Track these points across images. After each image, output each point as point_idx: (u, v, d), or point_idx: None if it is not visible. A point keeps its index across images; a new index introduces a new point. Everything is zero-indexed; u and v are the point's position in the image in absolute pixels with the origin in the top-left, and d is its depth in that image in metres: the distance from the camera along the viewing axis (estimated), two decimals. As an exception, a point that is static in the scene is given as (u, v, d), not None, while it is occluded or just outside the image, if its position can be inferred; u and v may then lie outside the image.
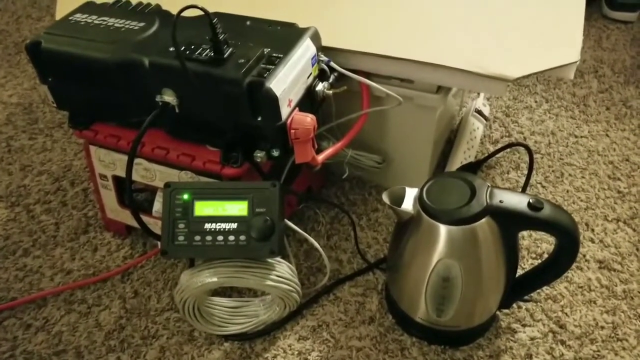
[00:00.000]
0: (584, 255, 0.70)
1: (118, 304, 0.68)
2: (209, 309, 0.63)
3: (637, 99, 0.95)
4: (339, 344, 0.63)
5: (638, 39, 1.10)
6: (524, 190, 0.76)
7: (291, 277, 0.59)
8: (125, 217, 0.74)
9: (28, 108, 1.02)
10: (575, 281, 0.67)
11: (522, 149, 0.84)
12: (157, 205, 0.70)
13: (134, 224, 0.64)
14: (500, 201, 0.52)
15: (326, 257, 0.65)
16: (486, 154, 0.83)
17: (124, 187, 0.72)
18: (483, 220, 0.51)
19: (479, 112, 0.89)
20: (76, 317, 0.67)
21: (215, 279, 0.57)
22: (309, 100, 0.62)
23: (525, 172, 0.81)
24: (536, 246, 0.72)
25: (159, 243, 0.73)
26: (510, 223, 0.52)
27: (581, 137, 0.88)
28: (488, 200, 0.52)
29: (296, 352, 0.62)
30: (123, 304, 0.68)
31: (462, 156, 0.82)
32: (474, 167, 0.81)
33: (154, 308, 0.68)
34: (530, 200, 0.51)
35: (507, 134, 0.89)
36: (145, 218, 0.71)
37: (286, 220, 0.62)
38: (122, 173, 0.69)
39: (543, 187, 0.80)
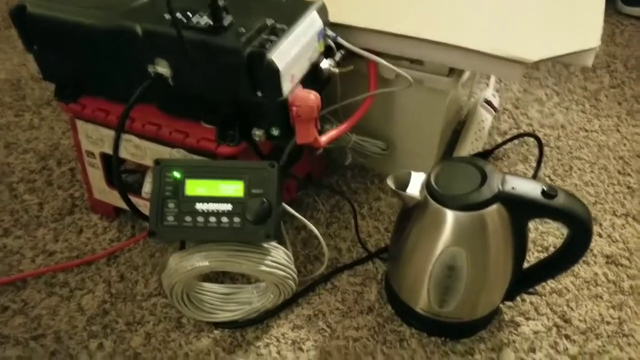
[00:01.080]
0: (591, 250, 0.67)
1: (102, 288, 0.65)
2: (198, 295, 0.60)
3: (648, 94, 0.93)
4: (335, 333, 0.59)
5: (650, 35, 1.07)
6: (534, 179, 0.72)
7: (287, 263, 0.56)
8: (113, 198, 0.71)
9: (16, 84, 0.98)
10: (581, 275, 0.64)
11: (530, 141, 0.81)
12: (147, 186, 0.67)
13: (123, 205, 0.61)
14: (513, 188, 0.48)
15: (325, 244, 0.62)
16: (494, 146, 0.80)
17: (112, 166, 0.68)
18: (493, 206, 0.48)
19: (488, 103, 0.86)
20: (57, 301, 0.64)
21: (206, 263, 0.53)
22: (313, 78, 0.58)
23: (534, 164, 0.78)
24: (542, 239, 0.69)
25: (148, 225, 0.69)
26: (521, 211, 0.49)
27: (591, 131, 0.85)
28: (500, 187, 0.49)
29: (290, 341, 0.59)
30: (108, 288, 0.65)
31: (469, 147, 0.79)
32: (482, 157, 0.78)
33: (140, 293, 0.64)
34: (544, 188, 0.48)
35: (516, 126, 0.86)
36: (135, 200, 0.67)
37: (284, 205, 0.59)
38: (110, 150, 0.65)
39: (551, 180, 0.77)
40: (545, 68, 0.99)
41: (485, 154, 0.78)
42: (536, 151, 0.77)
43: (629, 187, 0.76)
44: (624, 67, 0.99)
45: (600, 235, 0.69)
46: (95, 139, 0.65)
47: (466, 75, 0.73)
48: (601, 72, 0.98)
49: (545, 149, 0.80)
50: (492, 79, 0.94)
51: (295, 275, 0.57)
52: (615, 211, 0.72)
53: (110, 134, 0.63)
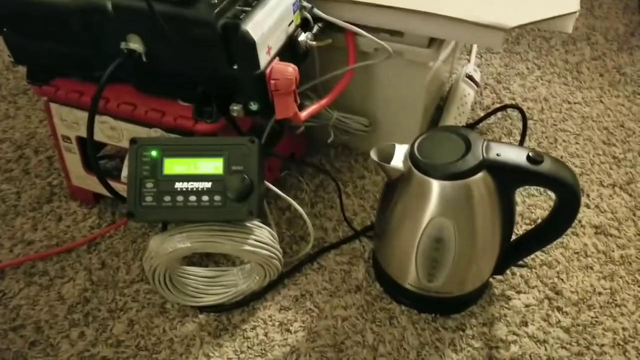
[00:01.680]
0: (580, 221, 0.67)
1: (83, 275, 0.63)
2: (182, 279, 0.59)
3: (630, 66, 0.92)
4: (323, 313, 0.58)
5: (631, 7, 1.07)
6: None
7: (272, 243, 0.55)
8: (92, 184, 0.68)
9: (-11, 73, 0.95)
10: (570, 247, 0.64)
11: (514, 115, 0.81)
12: (126, 171, 0.65)
13: (103, 191, 0.59)
14: (498, 154, 0.48)
15: (310, 223, 0.61)
16: (477, 119, 0.80)
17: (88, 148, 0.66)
18: (479, 175, 0.47)
19: (470, 78, 0.85)
20: (37, 290, 0.62)
21: (188, 244, 0.52)
22: (290, 52, 0.57)
23: (518, 138, 0.78)
24: (530, 212, 0.68)
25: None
26: (507, 178, 0.48)
27: (575, 103, 0.85)
28: (484, 154, 0.48)
29: (277, 323, 0.58)
30: (89, 276, 0.63)
31: (452, 122, 0.78)
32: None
33: (122, 279, 0.63)
34: (530, 154, 0.47)
35: (498, 101, 0.86)
36: (115, 185, 0.65)
37: (267, 183, 0.57)
38: (86, 133, 0.63)
39: (536, 153, 0.76)
40: (526, 42, 0.99)
41: (469, 127, 0.77)
42: (520, 124, 0.76)
43: (614, 157, 0.76)
44: (604, 39, 0.99)
45: (587, 206, 0.69)
46: (71, 122, 0.63)
47: (447, 50, 0.72)
48: (581, 45, 0.97)
49: (529, 122, 0.80)
50: (474, 54, 0.93)
51: (280, 255, 0.56)
52: (602, 181, 0.72)
53: (85, 116, 0.61)
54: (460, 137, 0.50)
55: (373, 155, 0.52)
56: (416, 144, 0.50)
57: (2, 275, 0.63)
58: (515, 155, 0.48)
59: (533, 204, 0.69)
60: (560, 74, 0.91)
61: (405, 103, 0.69)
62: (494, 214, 0.50)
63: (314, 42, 0.58)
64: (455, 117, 0.79)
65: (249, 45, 0.49)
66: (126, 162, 0.65)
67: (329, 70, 0.64)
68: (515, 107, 0.70)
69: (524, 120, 0.69)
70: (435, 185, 0.48)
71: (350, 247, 0.65)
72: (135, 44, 0.52)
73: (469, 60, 0.90)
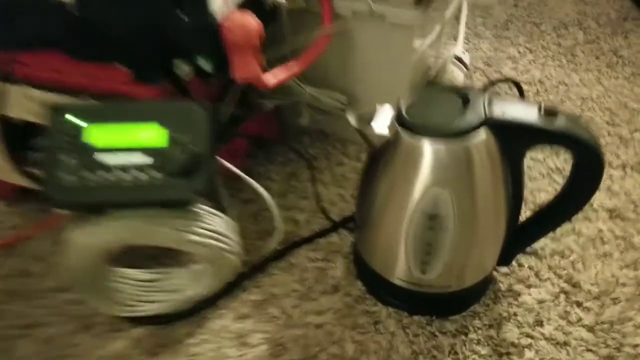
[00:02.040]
0: (591, 205, 0.58)
1: (-1, 285, 0.51)
2: (113, 283, 0.47)
3: (627, 48, 0.86)
4: (291, 320, 0.47)
5: (620, -6, 1.02)
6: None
7: (226, 233, 0.44)
8: (15, 176, 0.57)
9: None
10: (584, 233, 0.55)
11: (511, 94, 0.73)
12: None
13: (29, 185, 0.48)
14: (503, 112, 0.39)
15: (277, 211, 0.50)
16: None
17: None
18: (481, 134, 0.38)
19: (459, 60, 0.77)
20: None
21: (117, 235, 0.41)
22: (254, 9, 0.47)
23: (513, 120, 0.69)
24: (533, 197, 0.59)
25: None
26: (515, 139, 0.39)
27: (572, 85, 0.78)
28: (486, 111, 0.39)
29: (232, 336, 0.46)
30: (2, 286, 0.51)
31: (440, 102, 0.69)
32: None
33: (39, 289, 0.51)
34: (542, 108, 0.38)
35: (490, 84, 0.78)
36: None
37: (225, 162, 0.47)
38: (4, 111, 0.52)
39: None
40: (515, 27, 0.92)
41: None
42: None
43: (620, 138, 0.68)
44: (596, 24, 0.92)
45: (598, 189, 0.60)
46: (-15, 97, 0.52)
47: (433, 35, 0.64)
48: (574, 29, 0.91)
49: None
50: (461, 37, 0.85)
51: (238, 249, 0.45)
52: (610, 163, 0.64)
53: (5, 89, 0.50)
54: (456, 94, 0.41)
55: (351, 119, 0.42)
56: (404, 104, 0.41)
57: None
58: (523, 111, 0.39)
59: (536, 188, 0.60)
60: (554, 57, 0.84)
61: (389, 75, 0.60)
62: (498, 183, 0.40)
63: (283, 0, 0.49)
64: (443, 98, 0.70)
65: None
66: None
67: (301, 37, 0.55)
68: (512, 80, 0.61)
69: (520, 93, 0.60)
70: (428, 149, 0.39)
71: (327, 242, 0.55)
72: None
73: (456, 43, 0.82)
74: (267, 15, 0.50)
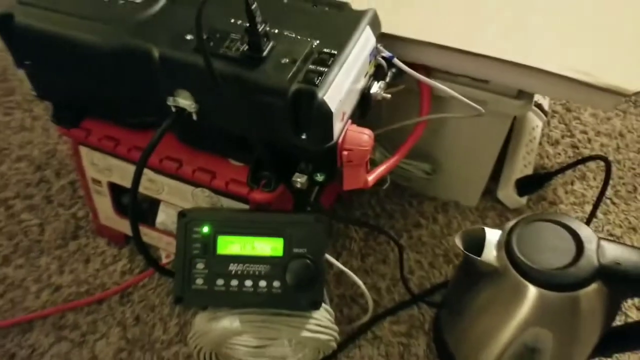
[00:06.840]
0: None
1: (117, 332, 0.58)
2: (227, 350, 0.53)
3: None
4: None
5: None
6: (595, 209, 0.64)
7: (330, 324, 0.49)
8: (123, 226, 0.62)
9: (2, 75, 0.86)
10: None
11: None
12: (162, 216, 0.58)
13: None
14: (617, 263, 0.40)
15: (368, 293, 0.54)
16: (544, 158, 0.71)
17: (124, 195, 0.60)
18: (592, 286, 0.40)
19: (538, 106, 0.76)
20: (68, 347, 0.57)
21: (238, 326, 0.46)
22: (360, 107, 0.49)
23: (592, 183, 0.70)
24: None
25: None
26: (625, 289, 0.41)
27: (655, 141, 0.77)
28: (600, 260, 0.41)
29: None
30: (123, 333, 0.58)
31: (521, 163, 0.70)
32: (540, 180, 0.69)
33: (159, 340, 0.57)
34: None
35: (568, 133, 0.77)
36: (146, 231, 0.59)
37: (330, 258, 0.50)
38: (120, 181, 0.56)
39: (614, 203, 0.69)
40: None
41: (545, 176, 0.68)
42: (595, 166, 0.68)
43: None
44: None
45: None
46: (102, 167, 0.56)
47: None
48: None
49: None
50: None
51: (337, 335, 0.50)
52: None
53: (119, 164, 0.54)
54: (568, 232, 0.42)
55: (458, 242, 0.44)
56: (514, 236, 0.43)
57: (30, 327, 0.58)
58: (638, 261, 0.41)
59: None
60: (637, 103, 0.82)
61: (478, 152, 0.61)
62: (599, 324, 0.43)
63: (388, 95, 0.50)
64: (524, 156, 0.71)
65: (325, 117, 0.41)
66: (161, 207, 0.58)
67: (396, 117, 0.56)
68: (601, 157, 0.61)
69: (608, 173, 0.60)
70: (536, 293, 0.41)
71: (408, 314, 0.59)
72: (185, 101, 0.44)
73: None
74: (369, 108, 0.51)
